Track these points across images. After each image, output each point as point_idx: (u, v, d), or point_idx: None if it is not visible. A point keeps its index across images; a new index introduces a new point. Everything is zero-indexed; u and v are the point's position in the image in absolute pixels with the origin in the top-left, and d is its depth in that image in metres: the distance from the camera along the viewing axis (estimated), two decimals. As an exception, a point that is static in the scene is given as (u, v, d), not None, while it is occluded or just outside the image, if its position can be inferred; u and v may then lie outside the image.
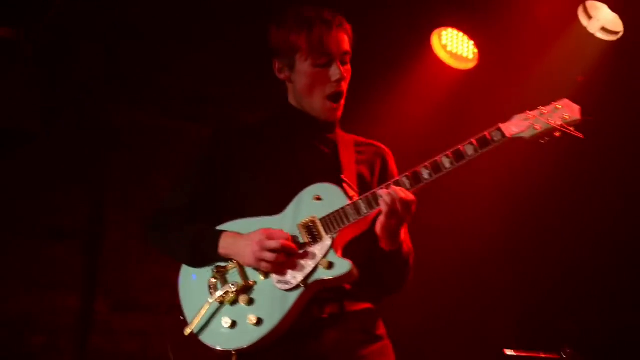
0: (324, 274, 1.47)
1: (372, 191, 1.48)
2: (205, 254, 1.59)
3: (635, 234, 2.56)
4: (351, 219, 1.48)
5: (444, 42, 3.06)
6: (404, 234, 1.55)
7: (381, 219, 1.41)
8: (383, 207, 1.39)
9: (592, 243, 2.81)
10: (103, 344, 2.66)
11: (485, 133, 1.41)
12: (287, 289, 1.48)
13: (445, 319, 2.78)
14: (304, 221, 1.53)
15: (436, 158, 1.41)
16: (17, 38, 2.39)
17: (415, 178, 1.43)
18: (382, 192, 1.41)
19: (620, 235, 2.68)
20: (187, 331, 1.54)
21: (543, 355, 2.16)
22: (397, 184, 1.44)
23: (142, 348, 2.73)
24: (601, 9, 2.63)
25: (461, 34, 3.03)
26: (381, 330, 1.60)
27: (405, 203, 1.38)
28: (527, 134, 1.42)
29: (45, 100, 2.55)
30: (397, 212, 1.39)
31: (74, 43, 2.57)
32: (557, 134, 1.42)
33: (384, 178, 1.66)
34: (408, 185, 1.43)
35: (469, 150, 1.40)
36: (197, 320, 1.54)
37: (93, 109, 2.68)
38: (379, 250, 1.54)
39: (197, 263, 1.62)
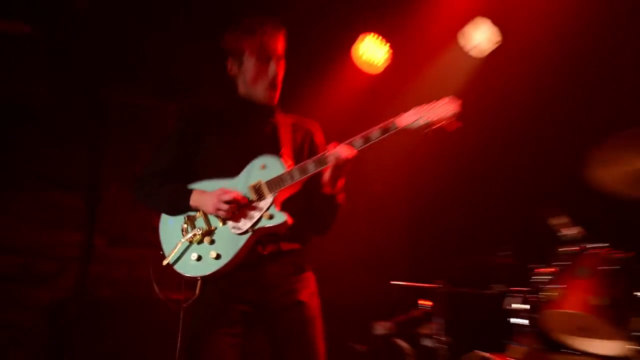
0: (266, 223, 1.90)
1: (321, 154, 1.92)
2: (180, 205, 2.01)
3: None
4: (288, 182, 1.92)
5: (361, 51, 3.80)
6: (341, 184, 2.00)
7: (329, 169, 1.88)
8: (332, 161, 1.86)
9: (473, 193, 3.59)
10: (100, 270, 3.41)
11: (387, 122, 1.87)
12: (238, 233, 1.91)
13: (351, 257, 3.55)
14: (253, 183, 1.96)
15: (355, 138, 1.88)
16: (33, 33, 2.93)
17: (357, 144, 1.89)
18: (338, 149, 1.86)
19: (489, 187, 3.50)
20: (165, 262, 1.99)
21: (423, 285, 2.85)
22: (349, 143, 1.89)
23: (128, 274, 3.50)
24: (476, 33, 3.45)
25: (377, 41, 3.77)
26: (307, 264, 2.08)
27: (346, 160, 1.86)
28: (414, 126, 1.86)
29: (54, 82, 3.24)
30: (340, 166, 1.87)
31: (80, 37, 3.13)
32: (438, 125, 1.83)
33: (314, 148, 2.14)
34: (351, 147, 1.88)
35: (376, 134, 1.88)
36: (172, 254, 1.98)
37: (93, 90, 3.32)
38: (321, 195, 2.00)
39: (173, 212, 2.04)
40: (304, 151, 2.14)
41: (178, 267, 1.97)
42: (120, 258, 3.52)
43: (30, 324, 3.24)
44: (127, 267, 3.50)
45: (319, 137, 2.21)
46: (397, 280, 3.06)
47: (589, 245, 2.33)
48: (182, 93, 3.61)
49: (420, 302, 2.88)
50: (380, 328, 3.04)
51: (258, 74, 2.11)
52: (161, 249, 2.02)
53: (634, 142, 2.20)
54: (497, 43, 3.39)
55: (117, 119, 3.49)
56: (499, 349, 2.52)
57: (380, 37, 3.73)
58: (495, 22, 3.34)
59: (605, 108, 2.97)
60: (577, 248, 2.37)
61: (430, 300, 2.89)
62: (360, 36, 3.73)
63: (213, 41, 2.32)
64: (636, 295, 2.13)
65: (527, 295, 2.41)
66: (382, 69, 3.76)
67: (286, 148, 2.09)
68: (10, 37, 3.03)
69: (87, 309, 3.11)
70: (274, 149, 2.04)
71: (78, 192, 3.29)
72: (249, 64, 2.11)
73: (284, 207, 1.93)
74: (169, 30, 3.41)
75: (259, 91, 2.13)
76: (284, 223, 1.90)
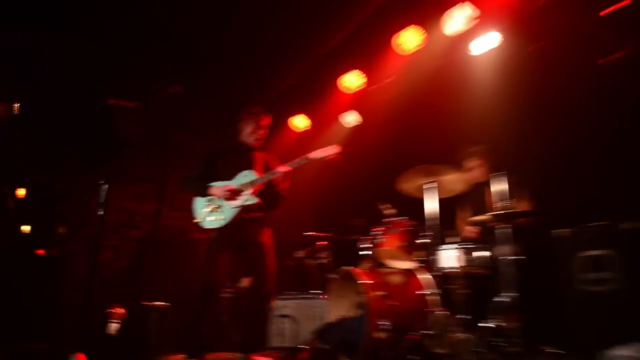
0: (247, 202, 3.76)
1: (274, 170, 3.79)
2: (204, 193, 3.85)
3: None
4: (258, 182, 3.80)
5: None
6: (284, 185, 3.88)
7: (278, 177, 3.78)
8: (278, 173, 3.72)
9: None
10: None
11: (305, 155, 3.75)
12: (234, 207, 3.80)
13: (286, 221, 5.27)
14: (241, 183, 3.84)
15: (297, 159, 3.83)
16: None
17: (291, 165, 3.76)
18: (281, 168, 3.76)
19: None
20: (195, 221, 3.95)
21: (322, 234, 5.18)
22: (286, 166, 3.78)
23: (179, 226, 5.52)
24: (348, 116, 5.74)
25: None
26: (267, 224, 3.95)
27: (285, 172, 3.76)
28: (318, 157, 3.66)
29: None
30: (285, 172, 3.77)
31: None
32: (330, 157, 3.85)
33: (272, 167, 3.97)
34: (289, 167, 3.79)
35: (297, 162, 3.75)
36: (200, 217, 3.90)
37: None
38: (274, 191, 3.86)
39: (202, 195, 3.89)
40: (267, 169, 3.98)
41: (203, 224, 3.84)
42: (175, 217, 5.53)
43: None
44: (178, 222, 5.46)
45: (274, 162, 4.05)
46: (308, 232, 5.20)
47: (397, 218, 4.05)
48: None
49: (318, 243, 5.09)
50: (300, 253, 5.28)
51: (253, 132, 4.05)
52: (194, 214, 3.92)
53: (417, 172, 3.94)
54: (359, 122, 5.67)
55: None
56: (356, 265, 4.03)
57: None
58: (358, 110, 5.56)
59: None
60: (392, 218, 4.03)
61: (325, 241, 5.09)
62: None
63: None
64: (415, 242, 4.24)
65: (371, 240, 4.13)
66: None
67: (258, 166, 4.00)
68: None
69: (157, 243, 5.08)
70: (252, 167, 3.93)
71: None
72: (250, 126, 4.04)
73: (257, 194, 3.83)
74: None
75: (251, 140, 4.07)
76: (257, 203, 3.80)
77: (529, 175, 4.38)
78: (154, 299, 4.48)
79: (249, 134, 4.04)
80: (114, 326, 4.29)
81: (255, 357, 3.87)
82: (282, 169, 3.77)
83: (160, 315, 4.51)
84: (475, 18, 4.27)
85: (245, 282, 4.94)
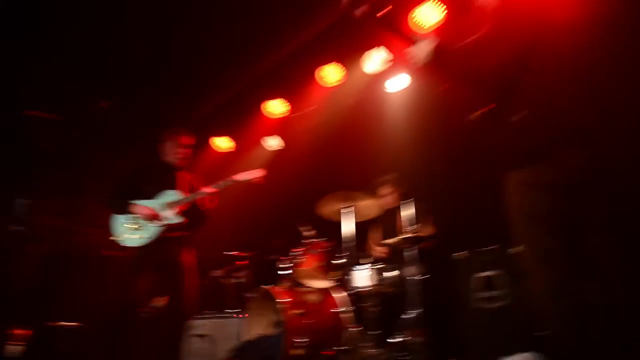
0: (171, 221, 3.83)
1: (200, 191, 3.85)
2: (127, 210, 3.76)
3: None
4: (183, 202, 3.84)
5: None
6: (209, 206, 3.99)
7: (206, 197, 3.88)
8: (202, 194, 3.81)
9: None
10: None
11: (230, 177, 4.03)
12: (156, 226, 3.81)
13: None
14: (164, 202, 3.82)
15: (222, 181, 4.03)
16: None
17: (216, 187, 3.94)
18: (207, 189, 3.87)
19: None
20: (112, 238, 3.86)
21: (241, 254, 5.24)
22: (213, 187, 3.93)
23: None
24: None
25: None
26: (192, 244, 3.95)
27: (210, 193, 3.85)
28: (243, 179, 3.89)
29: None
30: (210, 192, 3.87)
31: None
32: (254, 180, 4.07)
33: (196, 187, 3.93)
34: (214, 188, 3.93)
35: (222, 184, 3.98)
36: (120, 235, 3.82)
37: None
38: (199, 211, 3.90)
39: (124, 213, 3.78)
40: (192, 189, 3.99)
41: (123, 242, 3.78)
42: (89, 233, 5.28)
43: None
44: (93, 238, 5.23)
45: (199, 183, 4.09)
46: (227, 251, 5.27)
47: (315, 239, 4.26)
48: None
49: (237, 262, 5.19)
50: (217, 272, 5.31)
51: (176, 152, 4.08)
52: (111, 232, 3.85)
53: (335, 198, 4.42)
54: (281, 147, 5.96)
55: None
56: (275, 284, 4.18)
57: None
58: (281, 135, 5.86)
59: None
60: (311, 240, 4.24)
61: (244, 260, 5.20)
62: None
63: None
64: (331, 262, 4.53)
65: (290, 260, 4.28)
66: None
67: (183, 186, 4.00)
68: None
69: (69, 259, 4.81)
70: (175, 186, 3.92)
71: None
72: (174, 147, 4.08)
73: (181, 214, 3.82)
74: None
75: (173, 160, 4.10)
76: (181, 222, 3.79)
77: (434, 203, 4.85)
78: (65, 318, 4.29)
79: (171, 153, 4.07)
80: (14, 348, 4.04)
81: (170, 378, 3.85)
82: (208, 190, 3.86)
83: (71, 335, 4.32)
84: (390, 61, 4.71)
85: (160, 301, 4.86)
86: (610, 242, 1.92)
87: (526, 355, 3.01)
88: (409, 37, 2.26)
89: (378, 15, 2.19)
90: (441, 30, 4.26)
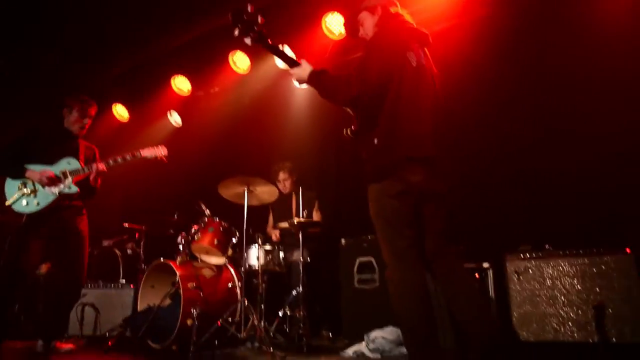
0: (68, 190, 3.78)
1: (93, 165, 3.86)
2: (20, 174, 3.67)
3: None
4: (80, 173, 3.85)
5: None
6: (99, 180, 4.07)
7: (97, 173, 3.89)
8: (100, 168, 3.84)
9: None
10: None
11: (134, 152, 4.14)
12: (52, 192, 3.78)
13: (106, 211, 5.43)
14: (62, 170, 3.78)
15: (117, 156, 4.09)
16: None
17: (107, 164, 3.95)
18: (100, 165, 3.87)
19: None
20: (7, 204, 3.72)
21: (134, 226, 5.33)
22: (107, 162, 3.93)
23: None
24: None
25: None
26: (84, 211, 4.00)
27: (99, 171, 3.90)
28: (148, 155, 4.13)
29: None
30: (101, 172, 3.97)
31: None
32: (159, 157, 4.22)
33: (94, 159, 4.06)
34: (111, 163, 3.97)
35: (128, 157, 4.10)
36: (11, 200, 3.71)
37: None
38: (90, 184, 3.92)
39: (15, 177, 3.70)
40: (89, 160, 4.01)
41: (15, 207, 3.70)
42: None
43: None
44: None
45: (97, 155, 4.12)
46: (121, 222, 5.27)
47: (212, 218, 4.44)
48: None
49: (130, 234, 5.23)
50: (108, 242, 5.30)
51: (77, 120, 4.05)
52: (5, 198, 3.72)
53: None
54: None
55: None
56: (172, 258, 4.31)
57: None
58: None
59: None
60: (208, 218, 4.43)
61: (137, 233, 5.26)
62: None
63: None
64: (227, 240, 4.79)
65: (187, 236, 4.49)
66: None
67: (82, 156, 3.99)
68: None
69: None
70: (75, 155, 3.93)
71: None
72: (74, 115, 4.02)
73: (76, 184, 3.86)
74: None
75: (75, 128, 4.04)
76: (76, 192, 3.82)
77: (324, 192, 5.35)
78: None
79: (73, 121, 3.98)
80: None
81: (58, 345, 3.89)
82: (100, 166, 3.87)
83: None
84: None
85: (43, 268, 4.77)
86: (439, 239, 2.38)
87: (393, 328, 3.63)
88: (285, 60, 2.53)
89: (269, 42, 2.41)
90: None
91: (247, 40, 2.41)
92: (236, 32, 2.40)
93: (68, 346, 3.92)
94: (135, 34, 4.92)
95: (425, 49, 2.60)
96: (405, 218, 2.33)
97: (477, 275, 3.76)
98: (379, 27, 2.58)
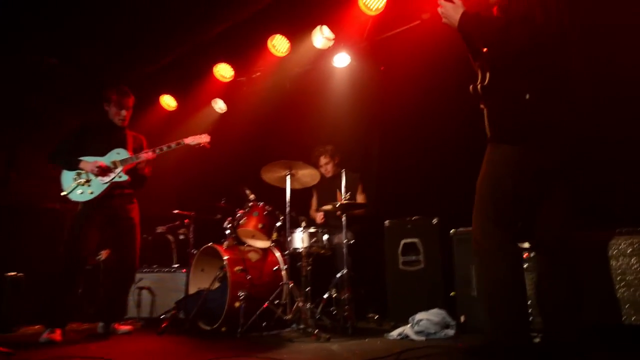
0: (118, 179, 3.95)
1: (141, 154, 4.00)
2: (75, 166, 3.88)
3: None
4: (129, 162, 4.04)
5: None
6: (148, 168, 4.23)
7: (145, 161, 4.05)
8: (142, 157, 4.03)
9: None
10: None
11: (180, 140, 4.25)
12: (104, 182, 3.94)
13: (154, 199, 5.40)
14: (113, 160, 4.00)
15: (162, 145, 4.19)
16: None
17: (157, 151, 4.11)
18: (147, 154, 4.01)
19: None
20: (63, 193, 3.96)
21: (185, 212, 5.48)
22: (154, 150, 4.08)
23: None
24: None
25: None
26: (134, 199, 4.20)
27: (148, 159, 4.07)
28: (192, 143, 4.24)
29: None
30: (150, 159, 4.14)
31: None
32: (203, 144, 4.30)
33: (142, 148, 4.21)
34: (154, 153, 4.13)
35: (173, 145, 4.23)
36: (68, 190, 3.94)
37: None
38: (140, 173, 4.10)
39: (72, 169, 3.90)
40: (137, 149, 4.17)
41: (71, 197, 3.91)
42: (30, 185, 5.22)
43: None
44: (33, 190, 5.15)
45: (145, 144, 4.28)
46: (171, 209, 5.45)
47: (257, 202, 4.50)
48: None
49: (182, 220, 5.41)
50: (161, 228, 5.52)
51: (116, 113, 4.14)
52: (62, 186, 3.94)
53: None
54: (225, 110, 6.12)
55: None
56: (219, 243, 4.38)
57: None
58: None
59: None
60: (253, 202, 4.49)
61: (187, 219, 5.43)
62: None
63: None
64: (276, 224, 4.81)
65: (233, 220, 4.60)
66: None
67: (129, 146, 4.16)
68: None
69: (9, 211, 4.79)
70: (124, 146, 4.10)
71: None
72: (113, 108, 4.12)
73: (127, 172, 4.03)
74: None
75: (117, 120, 4.15)
76: (126, 180, 4.00)
77: (368, 174, 5.30)
78: (6, 269, 4.36)
79: (113, 114, 4.14)
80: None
81: (117, 326, 4.12)
82: (148, 155, 4.02)
83: (14, 286, 4.41)
84: (332, 39, 5.00)
85: (104, 254, 5.04)
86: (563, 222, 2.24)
87: (438, 310, 3.58)
88: None
89: None
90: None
91: None
92: None
93: (127, 327, 4.15)
94: (176, 26, 5.00)
95: None
96: (527, 190, 2.18)
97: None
98: None
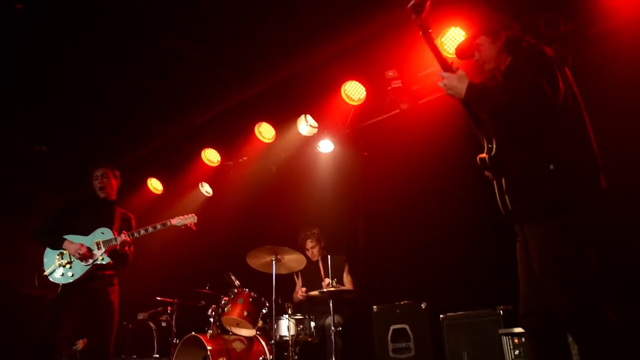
0: (100, 262, 3.77)
1: (124, 233, 3.94)
2: (59, 245, 3.75)
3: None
4: (113, 243, 3.87)
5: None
6: (128, 250, 4.01)
7: (124, 243, 3.92)
8: (119, 241, 3.87)
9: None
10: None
11: (166, 221, 4.16)
12: (85, 264, 3.74)
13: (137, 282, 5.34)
14: (96, 240, 3.83)
15: (148, 226, 4.07)
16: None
17: (139, 232, 3.99)
18: (123, 236, 3.87)
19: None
20: (44, 274, 3.73)
21: (167, 300, 5.34)
22: (132, 233, 3.95)
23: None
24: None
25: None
26: (115, 281, 3.94)
27: (124, 242, 3.88)
28: (178, 224, 4.19)
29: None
30: (127, 242, 3.97)
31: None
32: (189, 224, 4.20)
33: (129, 227, 4.11)
34: (142, 232, 4.06)
35: (159, 225, 4.16)
36: (49, 271, 3.73)
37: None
38: (122, 253, 3.97)
39: (55, 248, 3.78)
40: (124, 227, 4.04)
41: (51, 278, 3.77)
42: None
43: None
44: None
45: (133, 222, 4.17)
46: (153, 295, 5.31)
47: (242, 289, 4.47)
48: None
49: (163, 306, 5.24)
50: (142, 315, 5.31)
51: (95, 185, 4.05)
52: (42, 267, 3.83)
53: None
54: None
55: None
56: (203, 332, 4.34)
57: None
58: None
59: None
60: (237, 289, 4.48)
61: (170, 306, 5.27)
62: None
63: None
64: (256, 311, 4.70)
65: (217, 308, 4.56)
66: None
67: (116, 224, 4.03)
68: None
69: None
70: (110, 224, 3.98)
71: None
72: (94, 181, 4.07)
73: (109, 255, 3.85)
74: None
75: (97, 191, 4.06)
76: (108, 263, 3.83)
77: (354, 257, 5.27)
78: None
79: (96, 187, 4.08)
80: None
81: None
82: (124, 238, 3.90)
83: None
84: (317, 127, 5.22)
85: (80, 344, 4.79)
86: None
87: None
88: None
89: None
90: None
91: (415, 18, 2.28)
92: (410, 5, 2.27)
93: None
94: (164, 113, 5.18)
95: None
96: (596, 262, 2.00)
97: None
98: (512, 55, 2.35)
